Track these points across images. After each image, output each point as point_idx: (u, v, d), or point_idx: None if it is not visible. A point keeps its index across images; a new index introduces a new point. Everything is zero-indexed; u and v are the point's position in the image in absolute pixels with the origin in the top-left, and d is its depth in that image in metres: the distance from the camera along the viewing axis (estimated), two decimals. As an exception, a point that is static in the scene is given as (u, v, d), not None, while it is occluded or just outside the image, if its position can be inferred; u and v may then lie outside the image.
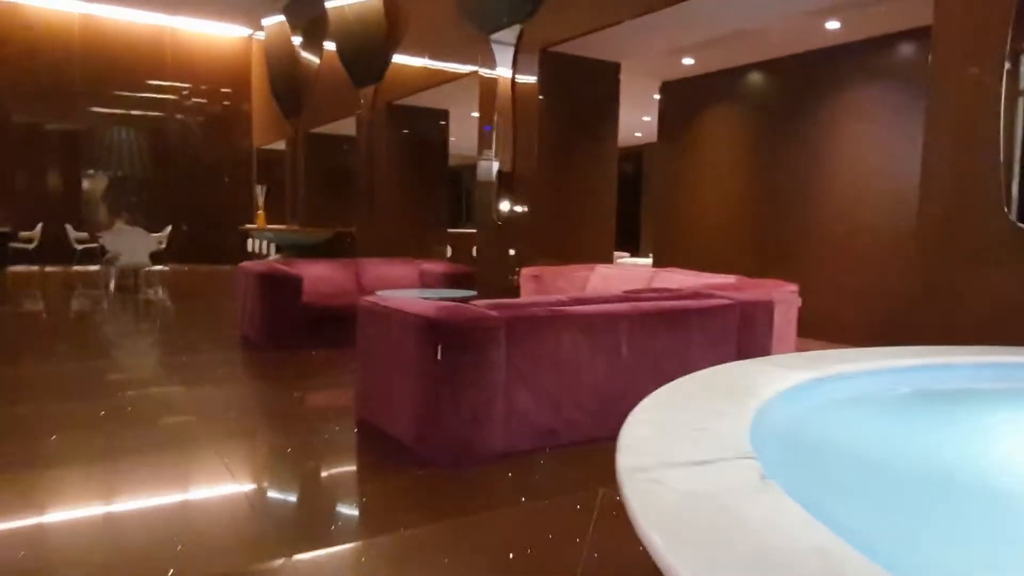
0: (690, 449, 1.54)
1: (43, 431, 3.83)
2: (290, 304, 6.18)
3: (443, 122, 11.44)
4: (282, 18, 14.34)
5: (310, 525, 2.83)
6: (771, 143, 7.72)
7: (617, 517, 2.80)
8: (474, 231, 15.49)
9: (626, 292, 5.09)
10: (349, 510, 3.03)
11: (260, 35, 16.77)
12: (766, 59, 7.63)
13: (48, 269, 14.05)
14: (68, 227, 13.97)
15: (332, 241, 13.80)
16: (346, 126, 13.14)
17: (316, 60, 13.34)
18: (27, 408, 4.35)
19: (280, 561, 2.42)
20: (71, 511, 2.92)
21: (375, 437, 3.80)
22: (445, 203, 11.63)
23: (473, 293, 6.21)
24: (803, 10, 6.12)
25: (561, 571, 2.40)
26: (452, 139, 11.78)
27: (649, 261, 10.21)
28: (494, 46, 7.86)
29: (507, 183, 7.83)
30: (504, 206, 7.87)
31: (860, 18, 6.17)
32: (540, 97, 7.49)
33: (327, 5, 11.65)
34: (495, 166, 7.92)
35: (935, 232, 4.27)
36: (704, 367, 4.00)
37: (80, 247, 13.91)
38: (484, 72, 8.23)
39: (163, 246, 13.00)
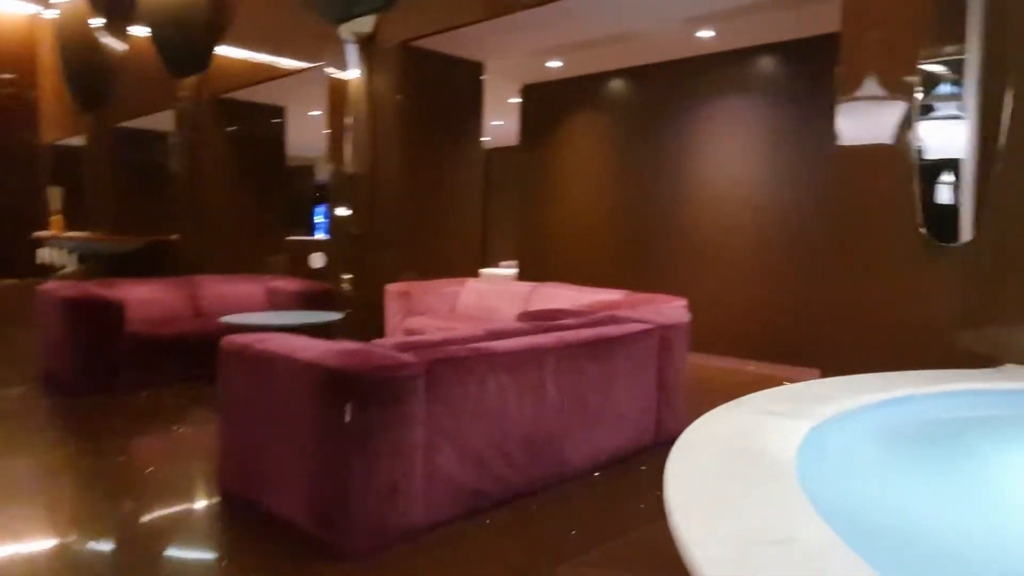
0: None
1: None
2: (111, 335, 5.07)
3: (279, 120, 10.36)
4: (78, -5, 12.44)
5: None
6: (641, 150, 7.59)
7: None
8: (312, 239, 14.37)
9: (524, 315, 4.62)
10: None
11: (50, 13, 14.51)
12: (636, 64, 7.48)
13: None
14: None
15: (146, 251, 12.15)
16: (162, 120, 11.60)
17: (122, 46, 11.66)
18: None
19: None
20: None
21: (252, 518, 3.00)
22: (282, 209, 10.54)
23: (339, 316, 5.44)
24: (679, 17, 5.97)
25: None
26: (289, 138, 10.71)
27: (507, 272, 9.83)
28: (345, 40, 7.07)
29: (365, 189, 7.08)
30: (358, 215, 7.11)
31: (733, 29, 6.12)
32: (399, 96, 6.83)
33: (136, -18, 10.16)
34: (348, 170, 7.13)
35: (844, 246, 4.17)
36: (626, 400, 3.59)
37: None
38: (332, 69, 7.41)
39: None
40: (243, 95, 9.50)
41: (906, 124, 3.75)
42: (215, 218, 9.79)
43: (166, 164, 13.19)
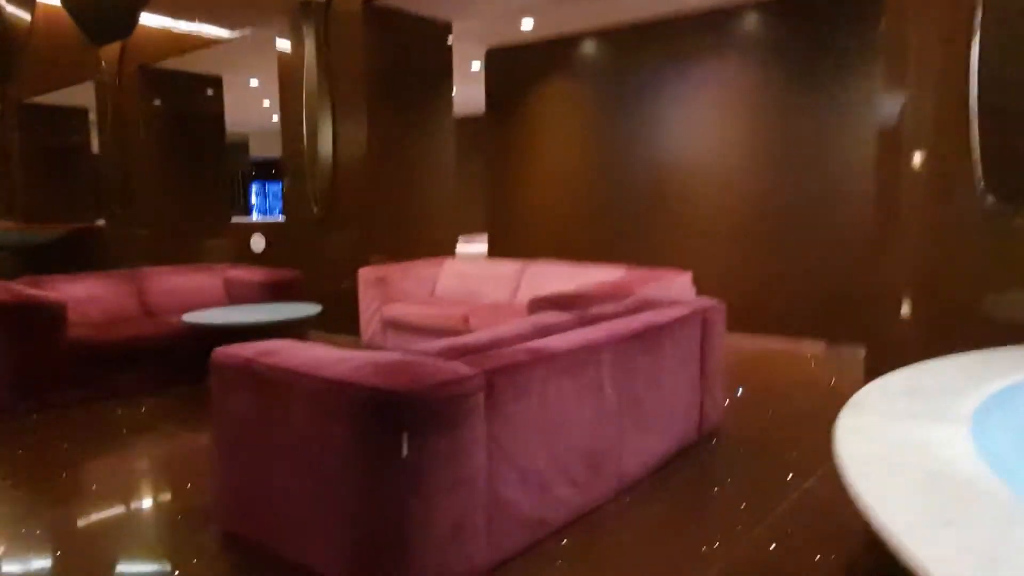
0: None
1: None
2: (49, 342, 4.33)
3: (212, 91, 9.45)
4: (-29, -46, 11.06)
5: None
6: (620, 117, 7.13)
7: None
8: (259, 222, 13.48)
9: (538, 300, 4.14)
10: None
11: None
12: (615, 24, 6.98)
13: None
14: None
15: (66, 240, 11.07)
16: (79, 95, 10.49)
17: (26, 16, 10.42)
18: None
19: None
20: None
21: (264, 568, 2.45)
22: (222, 189, 9.68)
23: (317, 308, 4.82)
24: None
25: None
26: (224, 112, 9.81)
27: (474, 249, 9.28)
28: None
29: (324, 166, 6.40)
30: (317, 195, 6.44)
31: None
32: (359, 63, 6.16)
33: (41, -61, 9.04)
34: (308, 142, 6.44)
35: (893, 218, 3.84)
36: (674, 394, 3.17)
37: None
38: (281, 35, 6.66)
39: None
40: (173, 64, 8.58)
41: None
42: (148, 201, 8.88)
43: (84, 143, 12.04)
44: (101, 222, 11.97)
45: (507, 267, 5.94)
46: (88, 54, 8.98)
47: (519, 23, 6.93)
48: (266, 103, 11.62)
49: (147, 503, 3.18)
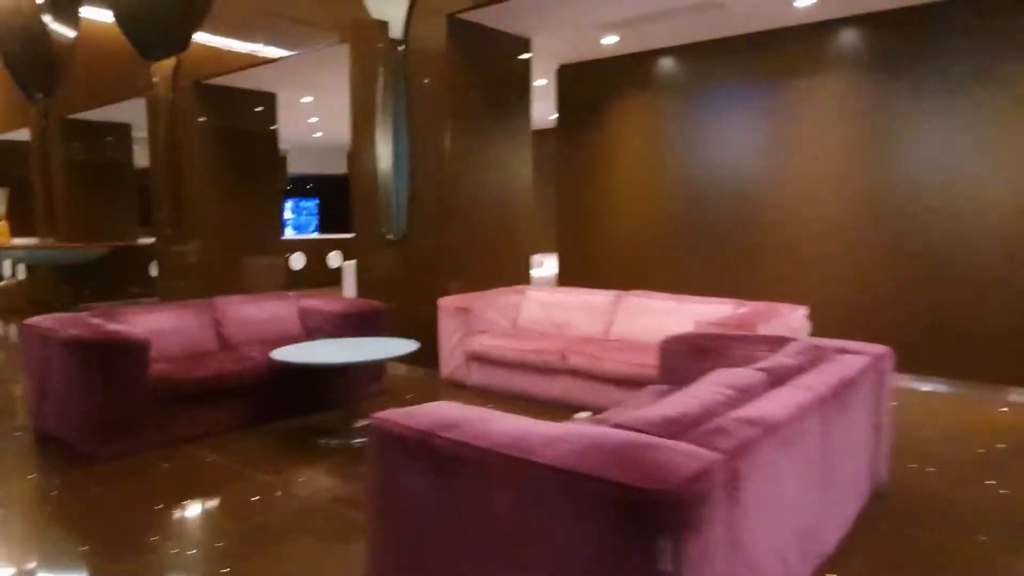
0: None
1: None
2: (133, 383, 4.00)
3: (265, 107, 9.16)
4: (15, -32, 10.89)
5: None
6: (703, 134, 6.76)
7: None
8: (295, 239, 13.17)
9: (674, 339, 3.75)
10: None
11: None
12: (699, 39, 6.62)
13: None
14: None
15: (108, 259, 10.84)
16: (121, 111, 10.28)
17: (71, 30, 10.22)
18: None
19: None
20: None
21: None
22: (274, 206, 9.39)
23: (414, 345, 4.46)
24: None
25: None
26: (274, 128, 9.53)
27: (545, 272, 8.90)
28: (371, 5, 6.03)
29: (401, 183, 6.07)
30: (398, 214, 6.10)
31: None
32: (426, 81, 5.84)
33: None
34: (383, 162, 6.11)
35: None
36: (855, 453, 2.79)
37: None
38: (356, 50, 6.36)
39: None
40: (228, 80, 8.32)
41: None
42: (200, 218, 8.59)
43: (126, 159, 11.82)
44: (147, 240, 11.74)
45: (598, 298, 5.56)
46: (138, 70, 8.74)
47: (599, 39, 6.59)
48: (312, 119, 11.36)
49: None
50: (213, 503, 3.45)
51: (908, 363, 5.68)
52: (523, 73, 6.43)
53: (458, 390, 5.44)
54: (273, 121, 9.12)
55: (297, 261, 13.91)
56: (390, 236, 6.14)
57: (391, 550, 2.23)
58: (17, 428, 4.58)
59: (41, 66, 10.64)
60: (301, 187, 17.70)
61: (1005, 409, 4.92)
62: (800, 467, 2.33)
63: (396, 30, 5.95)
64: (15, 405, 5.30)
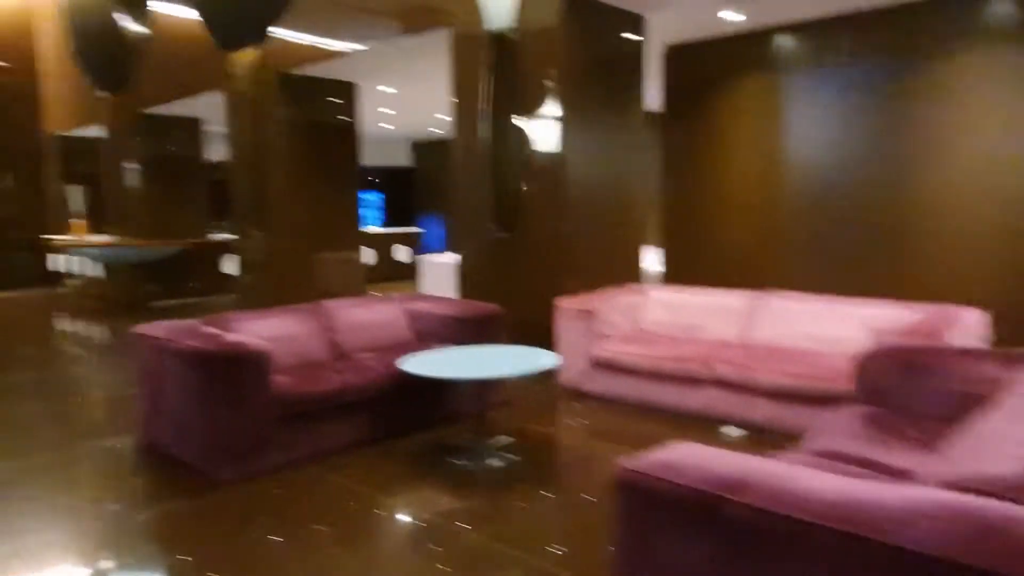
0: None
1: None
2: (257, 399, 3.66)
3: (346, 98, 8.81)
4: (88, -39, 10.75)
5: None
6: (845, 119, 6.17)
7: None
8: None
9: (880, 352, 3.25)
10: None
11: (47, -12, 12.81)
12: (827, 14, 6.05)
13: None
14: None
15: (185, 256, 10.69)
16: (193, 105, 10.07)
17: (144, 27, 10.00)
18: None
19: None
20: None
21: None
22: (351, 198, 9.06)
23: (555, 359, 4.02)
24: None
25: None
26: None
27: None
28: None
29: (512, 174, 5.65)
30: (506, 207, 5.68)
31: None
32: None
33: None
34: (489, 151, 5.68)
35: None
36: None
37: None
38: (462, 35, 5.94)
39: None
40: (310, 70, 8.00)
41: None
42: (282, 213, 8.30)
43: (196, 154, 11.66)
44: (219, 236, 11.58)
45: (733, 299, 5.07)
46: (216, 62, 8.47)
47: (717, 12, 6.05)
48: (384, 110, 11.02)
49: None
50: (348, 532, 3.08)
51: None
52: (636, 54, 5.95)
53: (579, 399, 5.01)
54: (352, 112, 8.78)
55: (367, 256, 13.69)
56: (498, 232, 5.73)
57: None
58: (125, 442, 4.29)
59: (113, 62, 10.50)
60: (365, 180, 17.45)
61: None
62: None
63: (504, 10, 5.51)
64: (115, 415, 5.04)
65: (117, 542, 3.04)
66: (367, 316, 4.90)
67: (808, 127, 6.34)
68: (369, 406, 4.14)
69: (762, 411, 4.23)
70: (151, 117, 10.82)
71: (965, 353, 3.07)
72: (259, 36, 7.96)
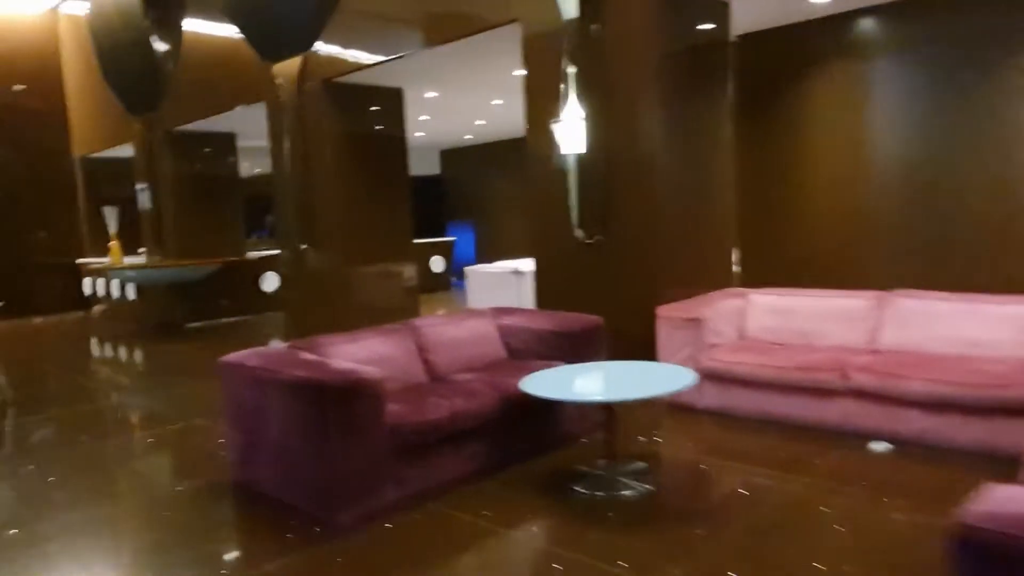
0: None
1: None
2: (372, 431, 3.29)
3: (392, 105, 8.44)
4: (113, -21, 10.49)
5: None
6: (935, 106, 5.79)
7: None
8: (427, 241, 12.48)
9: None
10: None
11: (70, 8, 12.58)
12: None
13: None
14: None
15: (215, 274, 10.38)
16: (226, 121, 9.78)
17: (173, 44, 9.73)
18: None
19: None
20: None
21: None
22: (402, 206, 8.69)
23: (693, 378, 3.64)
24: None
25: None
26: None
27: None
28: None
29: (594, 178, 5.29)
30: (592, 212, 5.32)
31: None
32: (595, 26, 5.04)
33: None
34: (570, 154, 5.33)
35: None
36: None
37: None
38: (528, 21, 5.60)
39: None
40: (354, 77, 7.66)
41: None
42: (330, 227, 7.97)
43: (232, 170, 11.37)
44: (257, 253, 11.27)
45: (853, 301, 4.68)
46: (253, 75, 8.17)
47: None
48: (423, 117, 10.69)
49: None
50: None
51: None
52: (722, 43, 5.59)
53: (691, 415, 4.63)
54: (400, 118, 8.43)
55: (438, 264, 13.79)
56: (584, 238, 5.36)
57: None
58: (213, 483, 3.93)
59: (144, 80, 10.21)
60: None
61: None
62: None
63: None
64: (192, 451, 4.68)
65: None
66: (458, 333, 4.54)
67: (901, 119, 5.95)
68: (480, 433, 3.78)
69: (914, 424, 3.84)
70: (184, 134, 10.53)
71: None
72: (302, 46, 7.70)
